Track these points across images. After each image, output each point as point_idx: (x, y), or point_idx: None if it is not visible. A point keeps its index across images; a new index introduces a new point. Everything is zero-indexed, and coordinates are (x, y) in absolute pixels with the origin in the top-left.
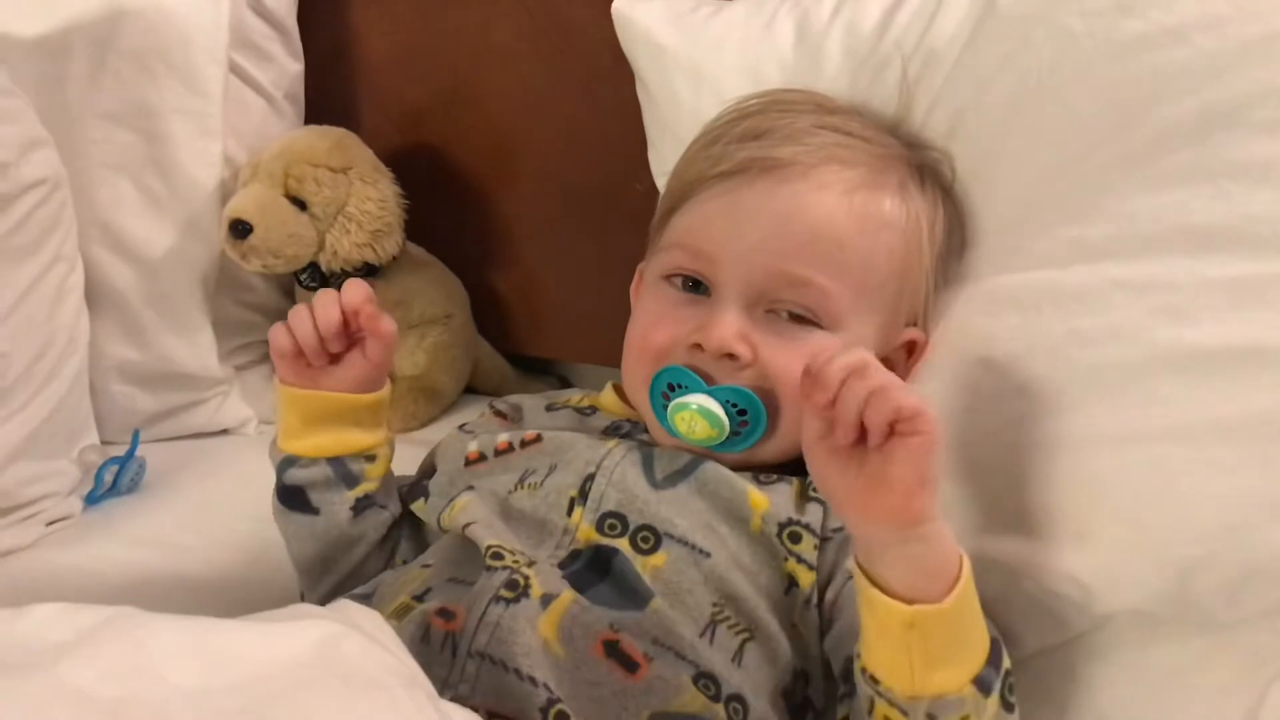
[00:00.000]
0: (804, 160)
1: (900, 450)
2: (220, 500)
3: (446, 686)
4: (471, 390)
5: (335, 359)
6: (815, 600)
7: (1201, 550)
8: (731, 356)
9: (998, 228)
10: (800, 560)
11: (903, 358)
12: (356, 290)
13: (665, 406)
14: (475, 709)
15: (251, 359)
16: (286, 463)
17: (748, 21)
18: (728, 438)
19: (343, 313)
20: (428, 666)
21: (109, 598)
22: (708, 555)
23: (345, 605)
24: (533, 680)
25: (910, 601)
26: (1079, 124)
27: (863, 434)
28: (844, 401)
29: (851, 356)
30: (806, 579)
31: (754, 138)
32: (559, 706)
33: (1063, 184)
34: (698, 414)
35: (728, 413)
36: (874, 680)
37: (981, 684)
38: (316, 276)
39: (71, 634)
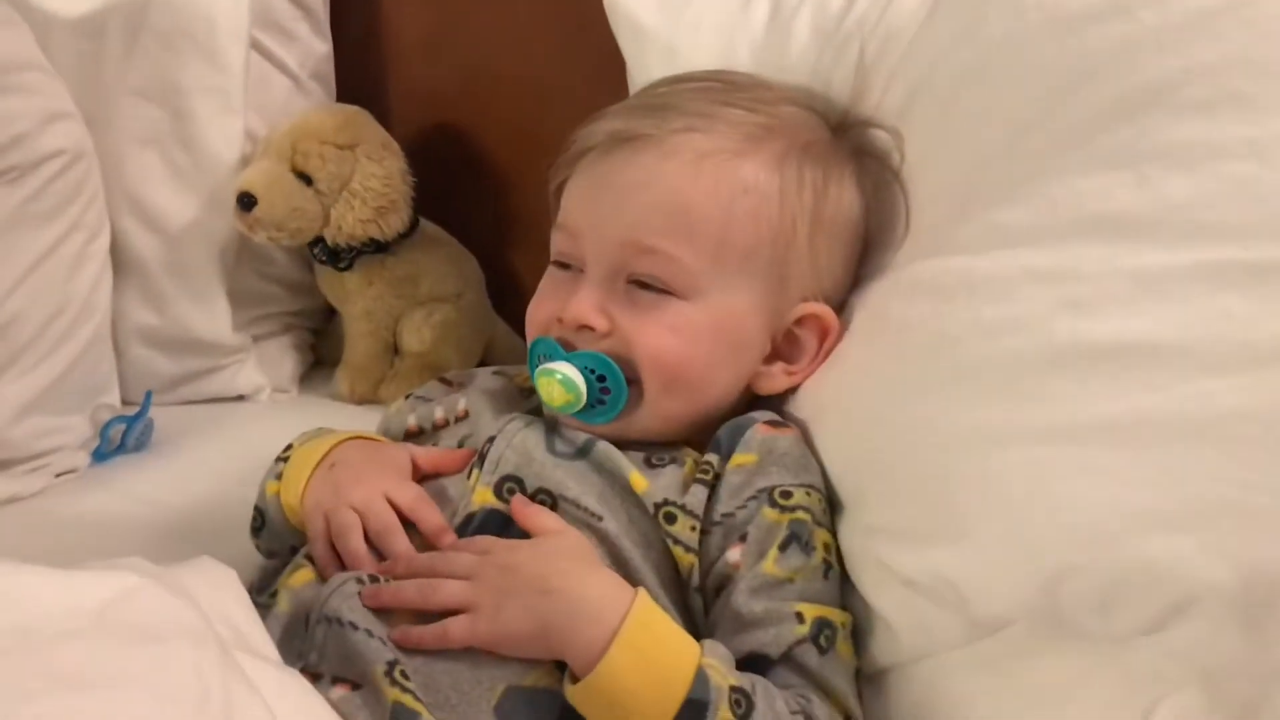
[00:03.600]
0: (657, 131)
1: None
2: (220, 463)
3: (300, 658)
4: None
5: None
6: (697, 584)
7: (1070, 557)
8: (589, 328)
9: (935, 211)
10: (677, 541)
11: (813, 339)
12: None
13: None
14: (322, 676)
15: (270, 329)
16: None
17: (725, 2)
18: (591, 406)
19: None
20: (293, 640)
21: (102, 548)
22: (600, 519)
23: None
24: (369, 633)
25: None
26: (1019, 102)
27: None
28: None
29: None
30: (686, 560)
31: (625, 111)
32: (401, 666)
33: (998, 166)
34: (555, 380)
35: (586, 379)
36: None
37: None
38: (325, 251)
39: None
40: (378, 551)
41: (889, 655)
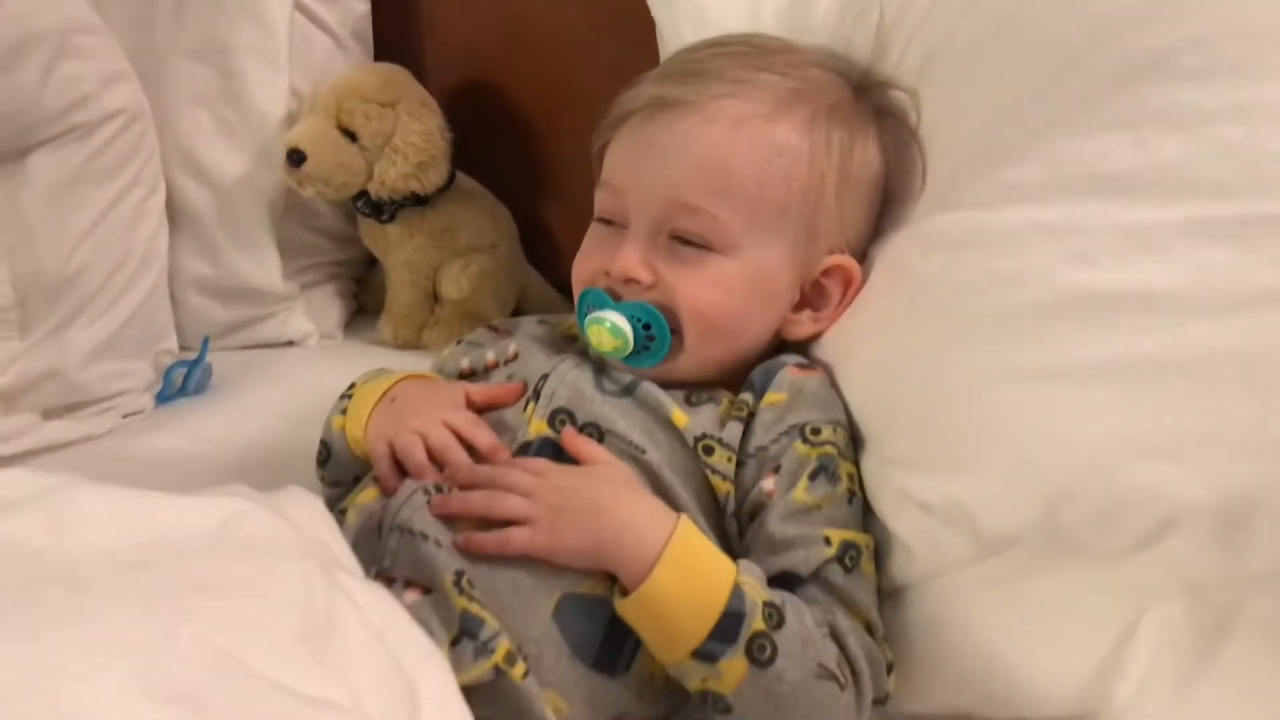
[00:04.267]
0: (697, 97)
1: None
2: (276, 404)
3: (374, 563)
4: (521, 315)
5: None
6: (733, 510)
7: (1069, 483)
8: (635, 280)
9: (950, 169)
10: (715, 471)
11: (838, 288)
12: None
13: None
14: (395, 579)
15: (316, 278)
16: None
17: None
18: (637, 351)
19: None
20: (366, 547)
21: (173, 483)
22: (644, 451)
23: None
24: (437, 543)
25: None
26: (1029, 67)
27: None
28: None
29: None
30: (723, 488)
31: (665, 77)
32: (467, 575)
33: (1009, 127)
34: (604, 328)
35: (634, 327)
36: None
37: (702, 655)
38: (368, 204)
39: (22, 494)
40: (439, 467)
41: (906, 574)
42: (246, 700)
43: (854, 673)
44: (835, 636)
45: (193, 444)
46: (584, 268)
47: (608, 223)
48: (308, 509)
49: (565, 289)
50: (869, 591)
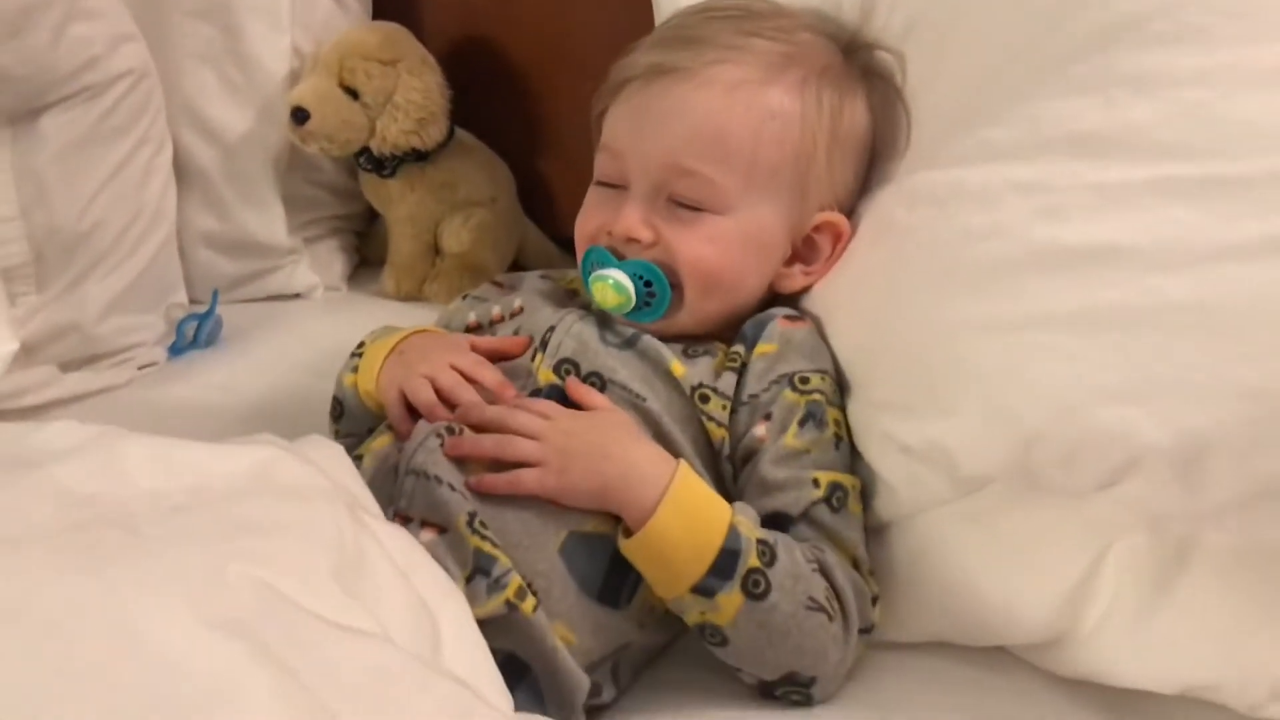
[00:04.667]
0: (692, 64)
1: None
2: (285, 354)
3: (391, 503)
4: (519, 268)
5: None
6: (727, 454)
7: (1042, 425)
8: (636, 240)
9: (933, 128)
10: (710, 419)
11: (828, 243)
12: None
13: None
14: (411, 519)
15: (320, 232)
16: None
17: None
18: (639, 307)
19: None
20: (383, 488)
21: (187, 432)
22: (643, 399)
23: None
24: (451, 487)
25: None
26: (1008, 33)
27: None
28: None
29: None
30: (718, 434)
31: (661, 44)
32: (480, 516)
33: (989, 89)
34: (608, 285)
35: (635, 284)
36: None
37: (701, 590)
38: (370, 160)
39: (70, 444)
40: (449, 409)
41: (890, 511)
42: (290, 628)
43: (841, 605)
44: (823, 571)
45: (207, 394)
46: (586, 227)
47: (608, 185)
48: (330, 456)
49: (562, 241)
50: (855, 529)
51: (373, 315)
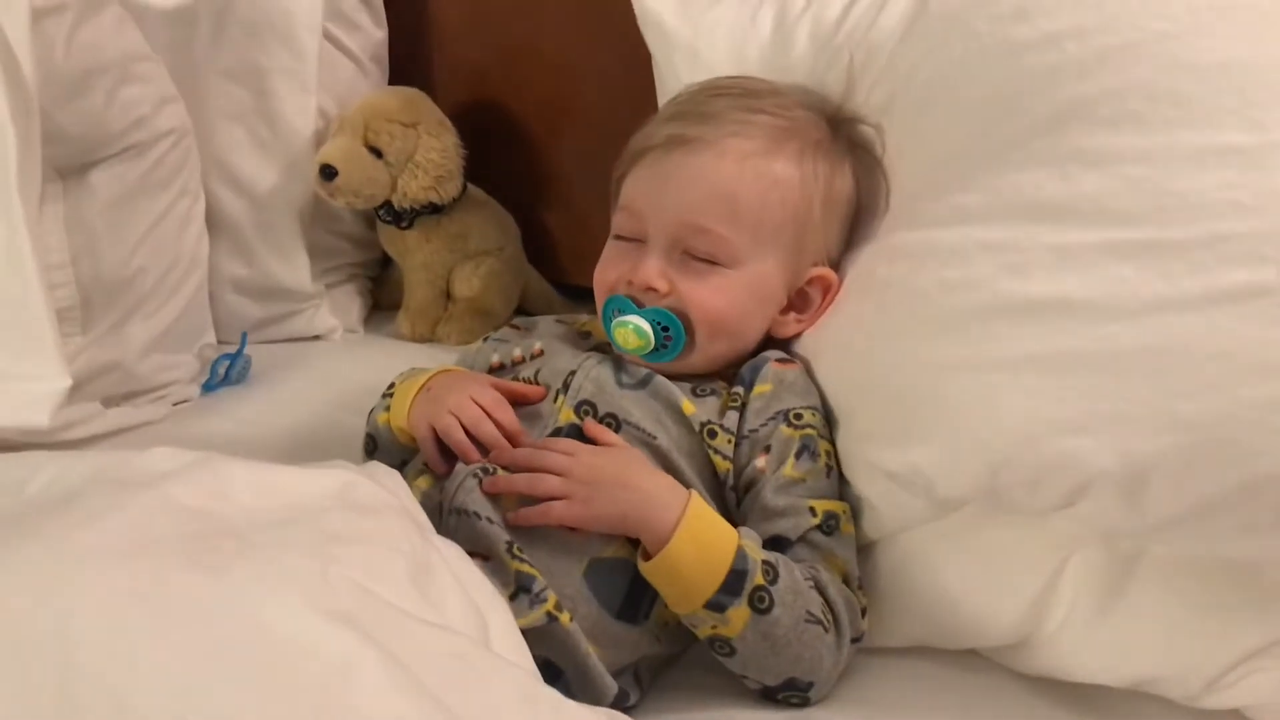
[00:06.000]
0: (709, 136)
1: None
2: (311, 391)
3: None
4: (523, 312)
5: None
6: (731, 484)
7: (1009, 453)
8: (654, 290)
9: (910, 193)
10: (717, 452)
11: (819, 294)
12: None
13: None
14: None
15: (339, 278)
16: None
17: (738, 11)
18: (657, 349)
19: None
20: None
21: None
22: (655, 438)
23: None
24: (490, 520)
25: (646, 558)
26: (976, 111)
27: None
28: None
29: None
30: (723, 466)
31: (678, 118)
32: (517, 545)
33: (959, 160)
34: (630, 330)
35: (654, 329)
36: None
37: (713, 605)
38: (390, 213)
39: (175, 467)
40: (478, 443)
41: (875, 530)
42: (384, 619)
43: (834, 617)
44: (819, 588)
45: (239, 428)
46: (606, 277)
47: (626, 239)
48: (392, 481)
49: (561, 286)
50: (847, 549)
51: (389, 355)
